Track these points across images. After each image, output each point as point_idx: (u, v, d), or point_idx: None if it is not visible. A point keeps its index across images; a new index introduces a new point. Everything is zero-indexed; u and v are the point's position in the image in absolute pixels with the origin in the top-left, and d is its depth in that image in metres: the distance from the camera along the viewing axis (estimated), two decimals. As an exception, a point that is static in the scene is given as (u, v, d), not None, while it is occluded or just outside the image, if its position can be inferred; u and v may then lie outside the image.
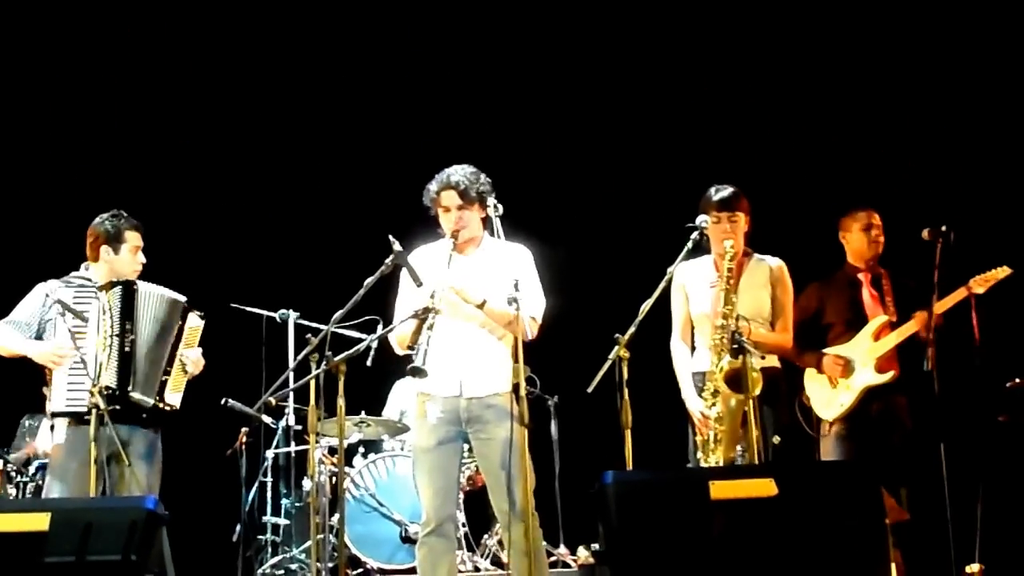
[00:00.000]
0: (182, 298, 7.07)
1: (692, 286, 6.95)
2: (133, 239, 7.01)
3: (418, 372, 6.07)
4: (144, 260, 7.05)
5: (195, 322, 7.11)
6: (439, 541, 6.34)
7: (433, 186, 6.51)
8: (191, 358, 7.05)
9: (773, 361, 6.85)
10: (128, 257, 6.98)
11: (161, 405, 6.91)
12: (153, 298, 6.99)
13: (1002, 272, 7.06)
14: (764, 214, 7.08)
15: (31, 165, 10.32)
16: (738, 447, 6.61)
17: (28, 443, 9.13)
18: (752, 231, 6.93)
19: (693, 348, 6.99)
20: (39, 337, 6.86)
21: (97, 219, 7.03)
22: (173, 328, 7.00)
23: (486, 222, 6.55)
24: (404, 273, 6.47)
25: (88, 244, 7.03)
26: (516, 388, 6.20)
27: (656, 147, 10.07)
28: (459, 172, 6.47)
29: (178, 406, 7.01)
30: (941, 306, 6.98)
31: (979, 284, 7.01)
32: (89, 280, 6.93)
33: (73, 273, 6.98)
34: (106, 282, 6.88)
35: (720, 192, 6.84)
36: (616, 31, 10.16)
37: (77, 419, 6.69)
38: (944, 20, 9.41)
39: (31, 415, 9.37)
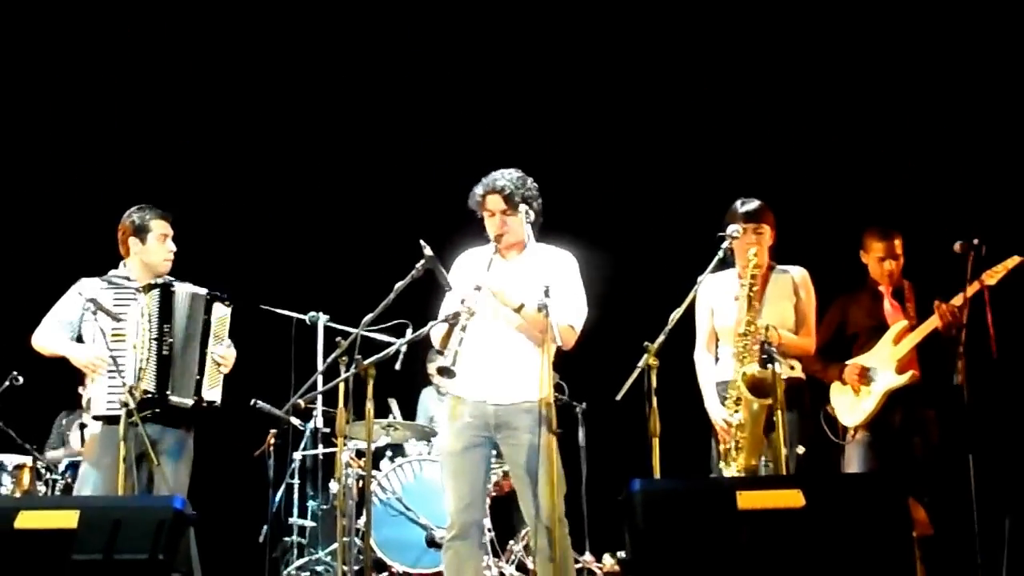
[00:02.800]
0: (202, 291, 7.08)
1: (717, 300, 6.98)
2: (159, 227, 7.03)
3: (446, 372, 6.07)
4: (174, 248, 7.06)
5: (221, 311, 7.11)
6: (464, 545, 6.34)
7: (479, 190, 6.50)
8: (220, 353, 7.07)
9: (797, 373, 6.85)
10: (156, 245, 7.00)
11: (203, 404, 6.95)
12: (185, 297, 7.01)
13: (1012, 262, 7.03)
14: (790, 227, 7.09)
15: (68, 166, 10.40)
16: (761, 457, 6.62)
17: (68, 443, 9.21)
18: (777, 245, 6.96)
19: (717, 359, 7.01)
20: (79, 337, 6.91)
21: (125, 214, 7.08)
22: (200, 324, 7.03)
23: (535, 227, 6.52)
24: (452, 272, 6.49)
25: (119, 241, 7.06)
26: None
27: (686, 157, 10.06)
28: (505, 177, 6.45)
29: (218, 401, 7.05)
30: (957, 300, 6.96)
31: (991, 276, 6.99)
32: (128, 279, 6.95)
33: (112, 272, 7.00)
34: (145, 283, 6.91)
35: (746, 205, 6.88)
36: (648, 48, 10.15)
37: (113, 420, 6.69)
38: (965, 32, 9.37)
39: (67, 413, 9.42)
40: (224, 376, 7.11)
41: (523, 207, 6.41)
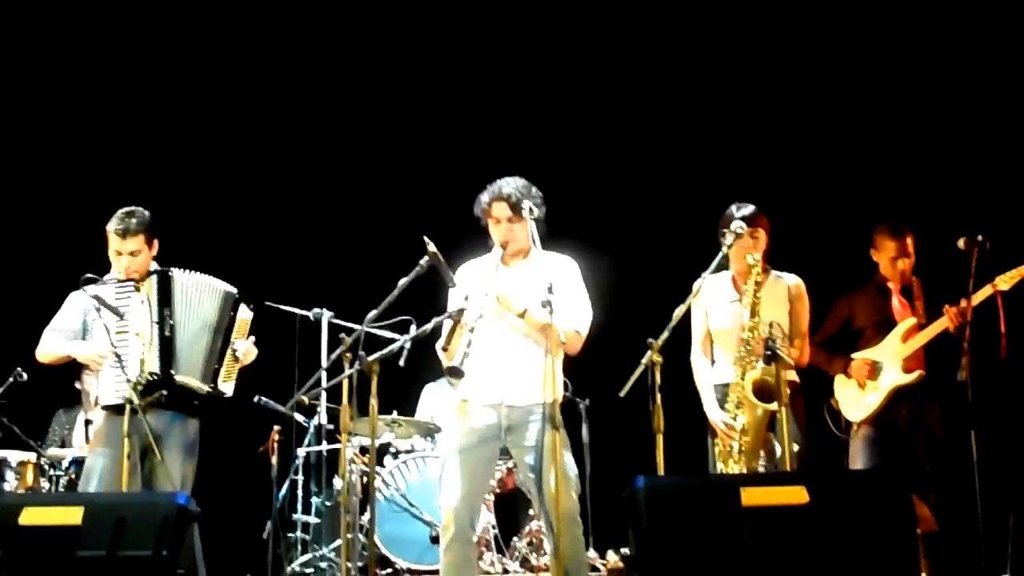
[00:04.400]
0: (233, 289, 7.14)
1: (711, 302, 7.03)
2: (113, 243, 6.97)
3: (455, 372, 6.09)
4: (130, 266, 6.94)
5: (245, 314, 7.17)
6: (463, 547, 6.38)
7: (485, 197, 6.53)
8: (242, 348, 7.11)
9: (792, 375, 6.87)
10: (113, 257, 6.99)
11: (217, 394, 7.00)
12: (199, 286, 7.04)
13: None
14: (791, 226, 7.11)
15: (64, 168, 10.39)
16: (760, 460, 6.65)
17: (68, 442, 9.21)
18: (778, 245, 6.99)
19: (713, 361, 7.04)
20: (84, 339, 6.95)
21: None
22: (225, 318, 7.07)
23: (537, 232, 6.53)
24: (458, 275, 6.51)
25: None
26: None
27: (688, 155, 10.06)
28: (511, 184, 6.48)
29: (230, 394, 7.10)
30: (965, 302, 6.96)
31: (1005, 281, 6.99)
32: (119, 280, 6.97)
33: (107, 276, 7.02)
34: (140, 276, 6.92)
35: (741, 209, 6.93)
36: (647, 50, 10.17)
37: (119, 410, 6.70)
38: (968, 28, 9.37)
39: (66, 409, 9.42)
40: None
41: (527, 204, 6.42)
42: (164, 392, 6.74)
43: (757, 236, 6.90)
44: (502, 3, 10.24)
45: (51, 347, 6.98)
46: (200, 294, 7.04)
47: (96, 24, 10.23)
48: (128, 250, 6.94)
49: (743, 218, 6.84)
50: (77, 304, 6.98)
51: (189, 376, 6.90)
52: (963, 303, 6.92)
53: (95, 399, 7.00)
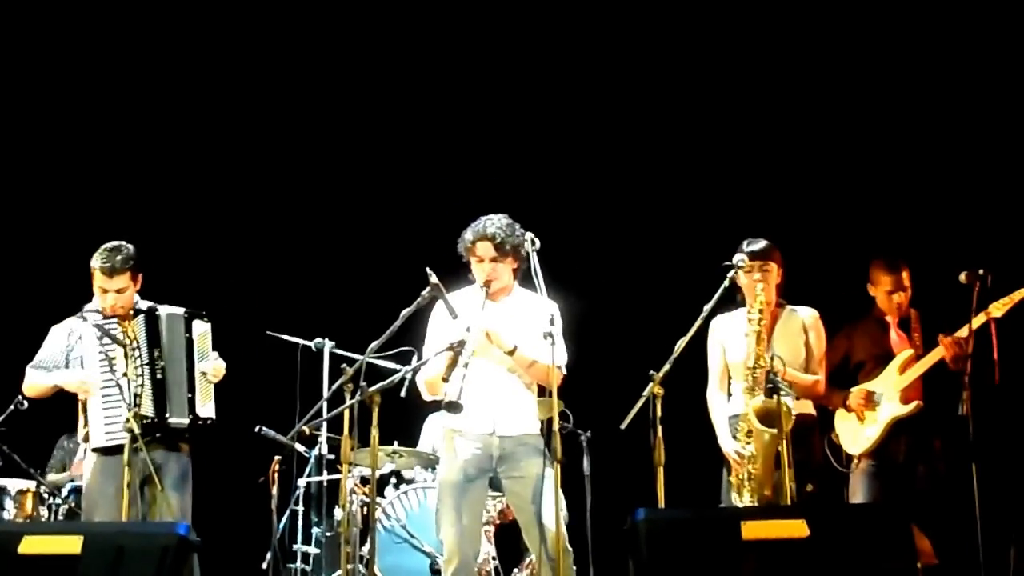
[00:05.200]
0: (180, 310, 7.07)
1: (729, 338, 7.10)
2: (97, 279, 6.92)
3: (454, 407, 6.10)
4: (116, 303, 6.92)
5: (201, 328, 7.11)
6: None
7: (468, 235, 6.54)
8: (208, 368, 7.07)
9: (808, 408, 6.90)
10: (98, 293, 6.95)
11: (199, 422, 6.95)
12: (171, 319, 7.02)
13: (1019, 294, 7.02)
14: (798, 264, 7.13)
15: (53, 193, 10.38)
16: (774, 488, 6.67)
17: (71, 464, 9.18)
18: (785, 283, 7.04)
19: (729, 395, 7.07)
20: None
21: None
22: (183, 342, 7.02)
23: (516, 272, 6.59)
24: (435, 311, 6.53)
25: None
26: (549, 424, 6.20)
27: (691, 187, 10.07)
28: (495, 224, 6.50)
29: (214, 415, 7.06)
30: (963, 331, 6.95)
31: (998, 308, 7.00)
32: (102, 315, 6.94)
33: (86, 307, 7.02)
34: (125, 313, 6.90)
35: (752, 244, 7.01)
36: (647, 78, 10.17)
37: (111, 452, 6.74)
38: (969, 61, 9.40)
39: (68, 436, 9.40)
40: (229, 393, 7.15)
41: (529, 236, 6.46)
42: (157, 435, 6.73)
43: (768, 269, 6.96)
44: (500, 35, 10.24)
45: (37, 381, 6.99)
46: (173, 326, 7.02)
47: (82, 48, 10.21)
48: (115, 288, 6.90)
49: (751, 253, 6.91)
50: (59, 339, 6.97)
51: (177, 416, 6.89)
52: (959, 333, 6.93)
53: (84, 435, 6.97)
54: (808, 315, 7.14)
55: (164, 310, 7.03)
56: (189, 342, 7.03)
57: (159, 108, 10.43)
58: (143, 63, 10.32)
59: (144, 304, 7.02)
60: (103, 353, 6.76)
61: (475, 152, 10.27)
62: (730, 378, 7.10)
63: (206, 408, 7.02)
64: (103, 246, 6.97)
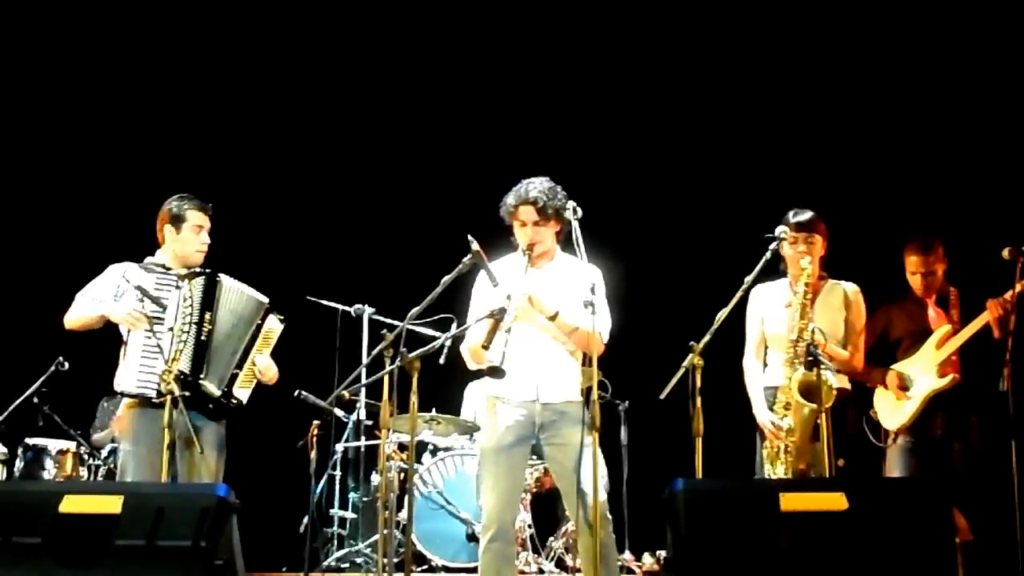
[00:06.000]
0: (264, 299, 7.12)
1: (768, 308, 7.06)
2: (195, 218, 7.06)
3: (497, 372, 6.09)
4: (207, 240, 7.09)
5: (274, 324, 7.16)
6: (503, 547, 6.36)
7: (511, 199, 6.52)
8: (261, 364, 7.10)
9: (843, 382, 6.87)
10: (190, 236, 7.04)
11: (227, 399, 6.96)
12: (235, 293, 7.04)
13: None
14: (843, 239, 7.09)
15: (109, 154, 10.45)
16: (809, 462, 6.65)
17: (112, 423, 9.23)
18: (829, 256, 7.00)
19: (765, 365, 7.05)
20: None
21: (165, 202, 7.12)
22: (251, 325, 7.06)
23: (559, 235, 6.56)
24: (478, 279, 6.52)
25: (157, 228, 7.09)
26: (588, 392, 6.19)
27: (733, 159, 10.05)
28: (537, 187, 6.46)
29: (244, 401, 7.06)
30: (1008, 294, 6.89)
31: None
32: (165, 267, 6.97)
33: (148, 260, 7.03)
34: (189, 271, 6.93)
35: (798, 215, 6.94)
36: (693, 56, 10.16)
37: (143, 402, 6.75)
38: (1002, 37, 9.33)
39: (108, 398, 9.45)
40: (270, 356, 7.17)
41: (571, 205, 6.43)
42: (187, 393, 6.73)
43: (813, 242, 6.90)
44: (543, 13, 10.24)
45: (83, 310, 6.91)
46: (238, 301, 7.05)
47: (122, 18, 10.29)
48: (208, 227, 7.10)
49: (796, 224, 6.87)
50: (113, 277, 6.96)
51: (210, 381, 6.91)
52: (1005, 297, 6.87)
53: (118, 377, 6.97)
54: (851, 289, 7.09)
55: (229, 281, 7.04)
56: (258, 328, 7.09)
57: (200, 76, 10.46)
58: (203, 30, 10.37)
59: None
60: (159, 303, 6.78)
61: (519, 119, 10.27)
62: (766, 348, 7.08)
63: (242, 392, 7.04)
64: (177, 196, 7.12)
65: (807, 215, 6.94)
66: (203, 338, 6.88)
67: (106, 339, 7.00)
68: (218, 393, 6.91)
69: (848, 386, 6.98)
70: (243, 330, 7.04)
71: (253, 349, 7.07)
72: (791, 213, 6.95)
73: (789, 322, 6.80)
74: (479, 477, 6.64)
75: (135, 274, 6.87)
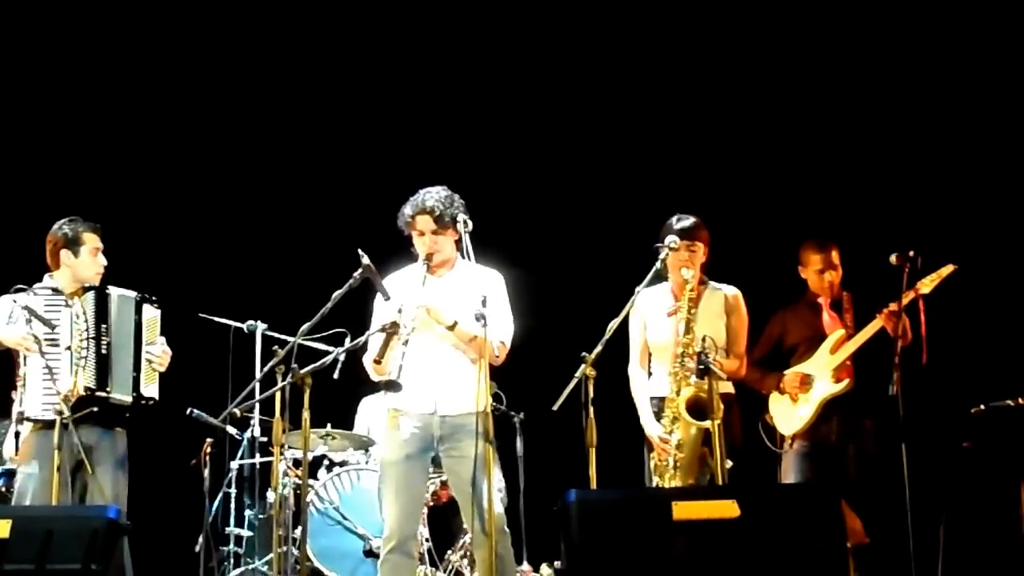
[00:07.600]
0: (132, 294, 7.11)
1: (650, 314, 7.06)
2: (91, 240, 7.06)
3: (393, 385, 6.09)
4: (105, 262, 7.12)
5: (151, 312, 7.16)
6: (402, 559, 6.37)
7: (408, 210, 6.53)
8: (155, 353, 7.10)
9: (727, 387, 6.90)
10: (88, 259, 7.03)
11: (141, 401, 6.97)
12: (118, 300, 7.06)
13: (946, 270, 7.08)
14: (726, 242, 7.15)
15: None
16: (697, 476, 6.69)
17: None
18: (714, 260, 7.04)
19: (650, 374, 7.07)
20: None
21: (55, 226, 7.10)
22: (132, 324, 7.05)
23: (459, 244, 6.57)
24: (379, 293, 6.50)
25: (48, 252, 7.08)
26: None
27: (622, 168, 10.08)
28: (433, 196, 6.48)
29: (156, 397, 7.08)
30: (893, 306, 7.00)
31: (926, 284, 7.05)
32: (55, 289, 6.95)
33: (36, 285, 7.00)
34: (75, 288, 6.89)
35: (682, 221, 6.95)
36: (581, 58, 10.16)
37: (48, 425, 6.69)
38: (899, 45, 9.46)
39: (-1, 420, 9.33)
40: (160, 377, 7.16)
41: (461, 217, 6.45)
42: (95, 408, 6.70)
43: (695, 250, 6.92)
44: (432, 11, 10.22)
45: None
46: (121, 306, 7.06)
47: (45, 39, 10.13)
48: (102, 247, 7.10)
49: (680, 231, 6.87)
50: (4, 305, 6.91)
51: (119, 392, 6.87)
52: (892, 306, 6.97)
53: (17, 414, 6.92)
54: (730, 293, 7.09)
55: (115, 291, 7.07)
56: (138, 324, 7.07)
57: (97, 90, 10.32)
58: (82, 49, 10.23)
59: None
60: (48, 324, 6.73)
61: (405, 134, 10.23)
62: (650, 355, 7.09)
63: (150, 389, 7.06)
64: (65, 220, 7.10)
65: (690, 221, 6.95)
66: (103, 351, 6.89)
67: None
68: (130, 400, 6.93)
69: (732, 390, 7.01)
70: (131, 331, 7.03)
71: (143, 344, 7.05)
72: (675, 219, 6.96)
73: (673, 335, 6.83)
74: (380, 490, 6.62)
75: (23, 298, 6.81)
